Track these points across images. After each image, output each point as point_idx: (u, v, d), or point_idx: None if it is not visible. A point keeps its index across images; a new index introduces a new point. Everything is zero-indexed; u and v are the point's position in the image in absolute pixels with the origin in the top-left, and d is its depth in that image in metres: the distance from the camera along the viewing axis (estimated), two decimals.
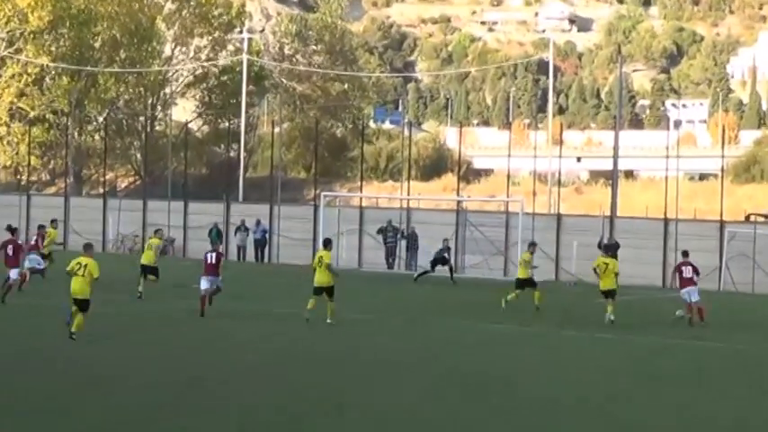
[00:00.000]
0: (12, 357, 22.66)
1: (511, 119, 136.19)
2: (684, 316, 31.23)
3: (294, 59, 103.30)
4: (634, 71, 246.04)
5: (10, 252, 32.23)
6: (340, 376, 21.48)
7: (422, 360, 23.82)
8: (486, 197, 74.86)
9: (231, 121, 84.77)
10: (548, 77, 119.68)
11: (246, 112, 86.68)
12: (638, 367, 23.83)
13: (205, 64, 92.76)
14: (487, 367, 23.26)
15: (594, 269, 31.29)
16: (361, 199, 60.76)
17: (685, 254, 32.52)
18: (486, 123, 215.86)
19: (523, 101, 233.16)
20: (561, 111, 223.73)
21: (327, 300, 28.53)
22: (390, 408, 18.36)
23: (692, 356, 25.88)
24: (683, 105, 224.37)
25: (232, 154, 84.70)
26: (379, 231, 51.46)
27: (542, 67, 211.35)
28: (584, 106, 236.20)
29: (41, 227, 38.28)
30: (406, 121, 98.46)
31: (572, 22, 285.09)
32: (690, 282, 31.21)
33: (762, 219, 57.13)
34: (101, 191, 70.36)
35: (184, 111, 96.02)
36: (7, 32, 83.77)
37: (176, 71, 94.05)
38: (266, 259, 55.08)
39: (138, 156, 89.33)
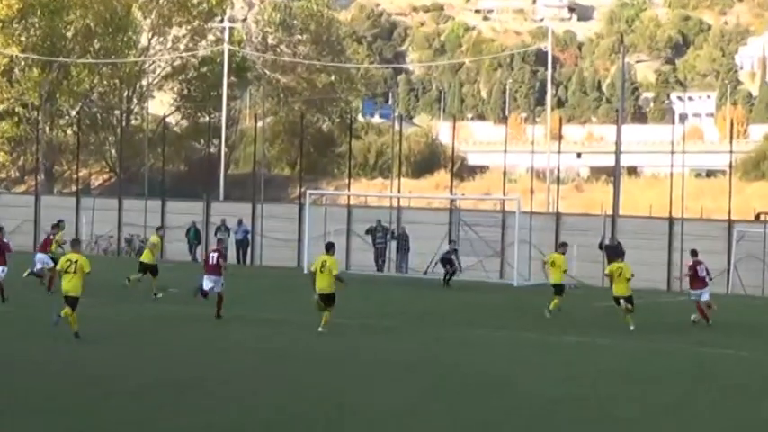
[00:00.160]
0: (12, 357, 23.30)
1: (507, 112, 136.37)
2: (699, 319, 31.40)
3: (278, 50, 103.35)
4: (637, 62, 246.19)
5: None
6: (340, 376, 22.22)
7: (422, 360, 24.39)
8: (481, 195, 74.90)
9: (211, 115, 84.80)
10: (546, 69, 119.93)
11: (227, 105, 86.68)
12: (639, 370, 24.09)
13: (184, 55, 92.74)
14: (487, 367, 23.91)
15: (608, 274, 31.20)
16: (348, 197, 60.72)
17: (695, 253, 32.62)
18: (480, 117, 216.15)
19: (520, 93, 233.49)
20: (560, 104, 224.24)
21: (328, 309, 28.40)
22: (390, 408, 18.99)
23: (695, 361, 25.97)
24: (689, 98, 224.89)
25: (212, 150, 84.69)
26: (368, 232, 51.40)
27: (540, 57, 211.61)
28: (584, 99, 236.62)
29: (55, 226, 38.45)
30: (397, 114, 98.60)
31: (572, 10, 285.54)
32: (704, 283, 31.49)
33: None
34: (73, 189, 70.23)
35: (162, 104, 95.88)
36: None
37: (153, 62, 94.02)
38: (248, 261, 55.04)
39: (113, 152, 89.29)
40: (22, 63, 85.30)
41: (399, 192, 59.82)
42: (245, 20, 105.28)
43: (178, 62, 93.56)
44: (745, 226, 49.61)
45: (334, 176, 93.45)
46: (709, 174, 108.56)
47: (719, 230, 48.05)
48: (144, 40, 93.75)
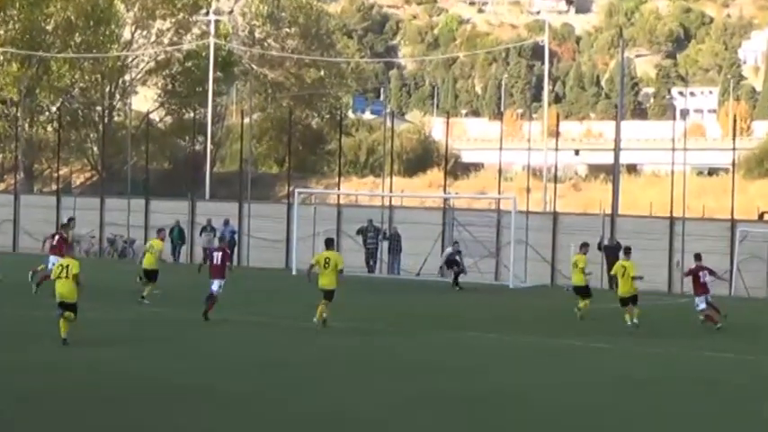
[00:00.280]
0: (12, 357, 23.54)
1: (503, 108, 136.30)
2: (719, 323, 31.43)
3: (266, 44, 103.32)
4: (637, 56, 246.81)
5: None
6: (340, 376, 22.60)
7: (420, 363, 24.61)
8: (476, 194, 74.83)
9: (197, 112, 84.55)
10: (543, 63, 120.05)
11: (213, 101, 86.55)
12: (640, 373, 24.17)
13: (168, 49, 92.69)
14: (486, 370, 24.17)
15: (614, 275, 31.28)
16: (338, 196, 60.77)
17: (698, 257, 32.75)
18: (475, 113, 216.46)
19: (516, 89, 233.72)
20: (558, 99, 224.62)
21: (325, 301, 28.90)
22: (390, 408, 19.27)
23: (697, 365, 26.04)
24: (691, 93, 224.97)
25: (198, 147, 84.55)
26: (359, 232, 51.44)
27: (537, 51, 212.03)
28: (582, 95, 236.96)
29: (65, 225, 38.45)
30: (389, 111, 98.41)
31: (569, 2, 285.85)
32: (705, 288, 31.59)
33: None
34: (54, 187, 70.16)
35: (145, 100, 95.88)
36: None
37: (136, 57, 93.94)
38: (235, 262, 55.04)
39: (95, 149, 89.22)
40: (1, 57, 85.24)
41: (391, 190, 59.86)
42: (231, 12, 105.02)
43: (162, 56, 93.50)
44: (749, 226, 49.67)
45: (324, 175, 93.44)
46: (712, 172, 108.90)
47: (722, 230, 48.13)
48: (127, 34, 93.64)
